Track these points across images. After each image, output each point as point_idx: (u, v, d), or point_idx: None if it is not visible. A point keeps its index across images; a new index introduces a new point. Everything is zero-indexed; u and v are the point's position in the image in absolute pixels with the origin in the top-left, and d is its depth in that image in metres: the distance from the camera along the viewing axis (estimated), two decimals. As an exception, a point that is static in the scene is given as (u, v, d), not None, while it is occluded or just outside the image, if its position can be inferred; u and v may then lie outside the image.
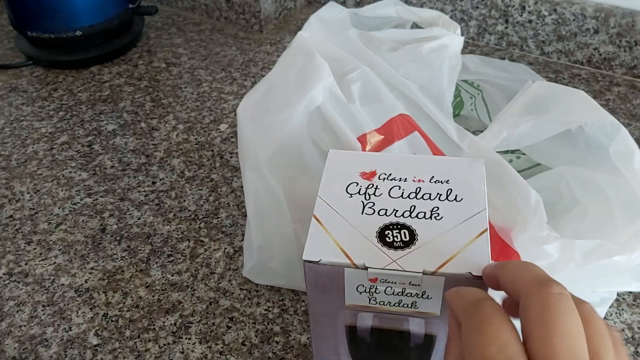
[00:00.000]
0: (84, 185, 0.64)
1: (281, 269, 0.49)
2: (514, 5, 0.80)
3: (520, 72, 0.63)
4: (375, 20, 0.61)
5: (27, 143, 0.71)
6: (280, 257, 0.49)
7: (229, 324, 0.49)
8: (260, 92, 0.48)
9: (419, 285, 0.31)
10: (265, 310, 0.50)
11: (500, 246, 0.42)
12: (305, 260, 0.32)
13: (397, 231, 0.33)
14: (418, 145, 0.48)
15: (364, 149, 0.46)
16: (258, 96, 0.48)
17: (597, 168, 0.46)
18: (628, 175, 0.41)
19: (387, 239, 0.32)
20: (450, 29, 0.56)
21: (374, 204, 0.34)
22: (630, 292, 0.51)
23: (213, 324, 0.49)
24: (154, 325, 0.50)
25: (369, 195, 0.35)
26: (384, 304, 0.33)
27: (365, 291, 0.32)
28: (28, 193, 0.64)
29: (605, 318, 0.49)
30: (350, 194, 0.35)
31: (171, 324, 0.50)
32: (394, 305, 0.33)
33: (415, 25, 0.60)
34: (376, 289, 0.32)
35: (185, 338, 0.48)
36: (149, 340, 0.48)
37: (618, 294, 0.51)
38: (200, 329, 0.49)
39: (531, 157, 0.54)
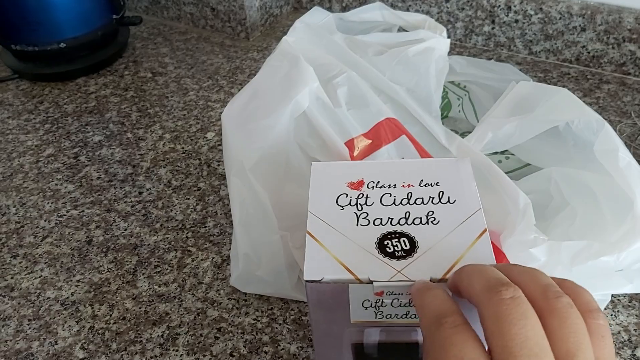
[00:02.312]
0: (70, 198, 0.63)
1: (268, 278, 0.49)
2: (499, 6, 0.79)
3: (507, 72, 0.62)
4: (362, 25, 0.61)
5: (12, 156, 0.70)
6: (268, 266, 0.48)
7: (217, 335, 0.49)
8: (245, 98, 0.48)
9: None
10: (254, 320, 0.50)
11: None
12: (307, 281, 0.30)
13: (397, 240, 0.32)
14: (406, 149, 0.47)
15: (351, 154, 0.45)
16: (243, 102, 0.47)
17: (586, 167, 0.46)
18: (613, 173, 0.41)
19: (387, 249, 0.31)
20: (437, 32, 0.55)
21: (367, 214, 0.33)
22: (626, 294, 0.51)
23: (201, 335, 0.49)
24: (140, 337, 0.49)
25: (361, 205, 0.34)
26: (391, 317, 0.32)
27: (371, 306, 0.31)
28: (14, 206, 0.63)
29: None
30: (342, 206, 0.34)
31: (158, 335, 0.49)
32: (402, 317, 0.31)
33: (402, 30, 0.60)
34: (382, 302, 0.31)
35: (173, 350, 0.48)
36: (136, 353, 0.47)
37: (613, 295, 0.51)
38: (188, 340, 0.48)
39: (520, 158, 0.54)
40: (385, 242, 0.32)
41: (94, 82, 0.83)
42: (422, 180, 0.35)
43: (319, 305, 0.32)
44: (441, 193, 0.34)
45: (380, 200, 0.34)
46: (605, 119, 0.44)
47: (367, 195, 0.35)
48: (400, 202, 0.34)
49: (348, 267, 0.30)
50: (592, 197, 0.44)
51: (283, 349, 0.47)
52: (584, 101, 0.46)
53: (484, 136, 0.47)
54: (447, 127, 0.61)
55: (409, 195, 0.34)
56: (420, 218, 0.33)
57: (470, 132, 0.48)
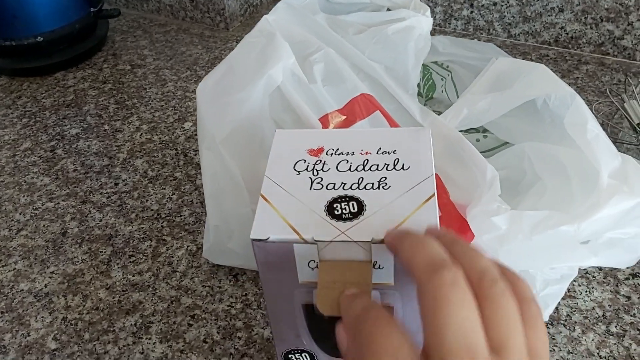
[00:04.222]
0: (46, 190, 0.63)
1: (239, 250, 0.49)
2: (478, -11, 0.79)
3: (489, 51, 0.62)
4: (349, 7, 0.60)
5: (-11, 151, 0.70)
6: (239, 238, 0.48)
7: (191, 322, 0.48)
8: (220, 73, 0.48)
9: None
10: (228, 306, 0.49)
11: (460, 224, 0.41)
12: (253, 239, 0.31)
13: (346, 203, 0.32)
14: (379, 125, 0.47)
15: (325, 129, 0.45)
16: (217, 77, 0.47)
17: (560, 143, 0.45)
18: (582, 146, 0.41)
19: (335, 211, 0.32)
20: (420, 11, 0.55)
21: (322, 179, 0.34)
22: (600, 269, 0.51)
23: (174, 322, 0.48)
24: (113, 326, 0.48)
25: (317, 171, 0.35)
26: None
27: (317, 267, 0.31)
28: (-11, 201, 0.62)
29: (572, 296, 0.48)
30: (298, 172, 0.35)
31: (131, 324, 0.49)
32: None
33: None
34: None
35: (146, 338, 0.47)
36: (109, 342, 0.47)
37: (587, 272, 0.50)
38: (161, 328, 0.48)
39: (498, 136, 0.54)
40: (335, 205, 0.32)
41: (72, 76, 0.83)
42: (380, 149, 0.36)
43: (267, 266, 0.32)
44: (396, 160, 0.35)
45: (337, 167, 0.35)
46: (583, 100, 0.44)
47: (324, 161, 0.35)
48: (356, 169, 0.34)
49: (295, 227, 0.31)
50: (562, 171, 0.44)
51: (257, 334, 0.47)
52: (561, 80, 0.46)
53: (460, 112, 0.46)
54: (431, 108, 0.60)
55: (365, 162, 0.35)
56: (372, 183, 0.33)
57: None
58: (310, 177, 0.34)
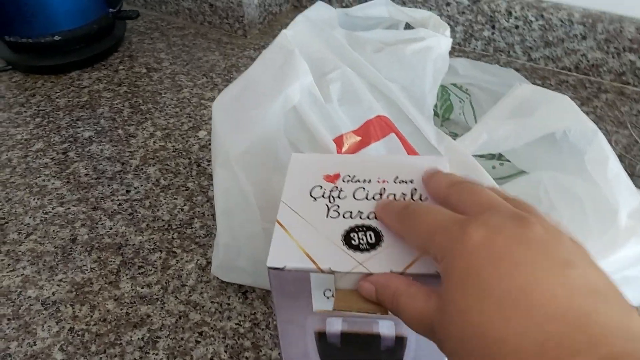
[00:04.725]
0: (57, 194, 0.63)
1: (249, 268, 0.49)
2: (500, 11, 0.78)
3: (510, 77, 0.61)
4: (367, 21, 0.60)
5: (1, 150, 0.69)
6: (248, 256, 0.48)
7: (198, 339, 0.48)
8: (237, 89, 0.47)
9: None
10: (237, 324, 0.49)
11: None
12: (270, 267, 0.30)
13: (363, 233, 0.32)
14: (394, 148, 0.47)
15: (339, 150, 0.45)
16: (234, 92, 0.47)
17: (577, 175, 0.45)
18: (601, 183, 0.40)
19: (352, 241, 0.31)
20: (440, 30, 0.55)
21: (338, 206, 0.34)
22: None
23: (182, 338, 0.48)
24: (120, 339, 0.48)
25: (333, 198, 0.34)
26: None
27: (332, 296, 0.31)
28: (-1, 202, 0.62)
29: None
30: (315, 198, 0.34)
31: (139, 338, 0.48)
32: None
33: (409, 26, 0.59)
34: None
35: (153, 353, 0.47)
36: (115, 356, 0.47)
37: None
38: (169, 344, 0.47)
39: (515, 164, 0.53)
40: (352, 235, 0.32)
41: (87, 76, 0.82)
42: (397, 177, 0.35)
43: (281, 293, 0.32)
44: (414, 190, 0.34)
45: (354, 194, 0.34)
46: (601, 129, 0.44)
47: (341, 188, 0.35)
48: (373, 197, 0.34)
49: (311, 256, 0.30)
50: (579, 204, 0.43)
51: (264, 354, 0.47)
52: (581, 110, 0.45)
53: (479, 137, 0.46)
54: (447, 130, 0.60)
55: (382, 190, 0.34)
56: None
57: (469, 136, 0.48)
58: (326, 204, 0.34)
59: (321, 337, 0.35)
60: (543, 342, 0.21)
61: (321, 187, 0.35)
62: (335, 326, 0.34)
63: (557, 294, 0.22)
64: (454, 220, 0.27)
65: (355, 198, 0.34)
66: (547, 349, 0.21)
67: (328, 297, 0.31)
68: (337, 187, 0.35)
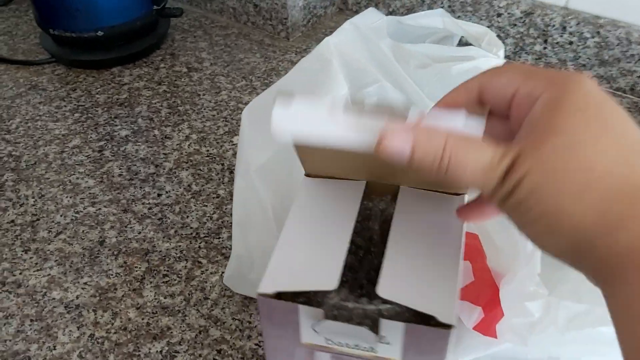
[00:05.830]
0: (89, 193, 0.62)
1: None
2: (554, 25, 0.75)
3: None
4: (420, 30, 0.57)
5: (39, 144, 0.70)
6: (261, 269, 0.46)
7: (217, 357, 0.47)
8: (268, 97, 0.46)
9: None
10: (256, 345, 0.48)
11: (492, 294, 0.39)
12: (260, 294, 0.29)
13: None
14: None
15: None
16: (264, 101, 0.46)
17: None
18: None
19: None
20: (493, 49, 0.52)
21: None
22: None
23: (200, 355, 0.47)
24: (139, 351, 0.47)
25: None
26: (341, 345, 0.30)
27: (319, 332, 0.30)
28: (32, 197, 0.62)
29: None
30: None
31: (157, 351, 0.47)
32: (353, 347, 0.30)
33: (464, 40, 0.57)
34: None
35: (170, 368, 0.46)
36: (132, 368, 0.46)
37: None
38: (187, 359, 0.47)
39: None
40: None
41: (128, 73, 0.82)
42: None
43: (270, 320, 0.31)
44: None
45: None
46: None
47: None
48: None
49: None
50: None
51: (283, 379, 0.45)
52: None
53: None
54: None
55: None
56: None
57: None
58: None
59: None
60: None
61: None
62: None
63: None
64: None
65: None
66: None
67: (317, 332, 0.30)
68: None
